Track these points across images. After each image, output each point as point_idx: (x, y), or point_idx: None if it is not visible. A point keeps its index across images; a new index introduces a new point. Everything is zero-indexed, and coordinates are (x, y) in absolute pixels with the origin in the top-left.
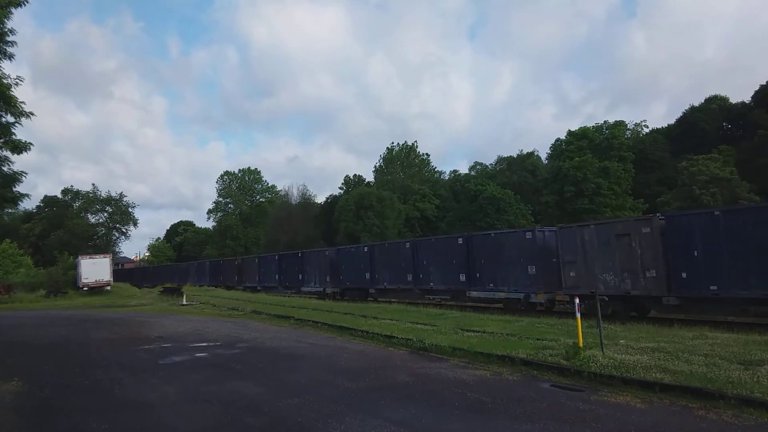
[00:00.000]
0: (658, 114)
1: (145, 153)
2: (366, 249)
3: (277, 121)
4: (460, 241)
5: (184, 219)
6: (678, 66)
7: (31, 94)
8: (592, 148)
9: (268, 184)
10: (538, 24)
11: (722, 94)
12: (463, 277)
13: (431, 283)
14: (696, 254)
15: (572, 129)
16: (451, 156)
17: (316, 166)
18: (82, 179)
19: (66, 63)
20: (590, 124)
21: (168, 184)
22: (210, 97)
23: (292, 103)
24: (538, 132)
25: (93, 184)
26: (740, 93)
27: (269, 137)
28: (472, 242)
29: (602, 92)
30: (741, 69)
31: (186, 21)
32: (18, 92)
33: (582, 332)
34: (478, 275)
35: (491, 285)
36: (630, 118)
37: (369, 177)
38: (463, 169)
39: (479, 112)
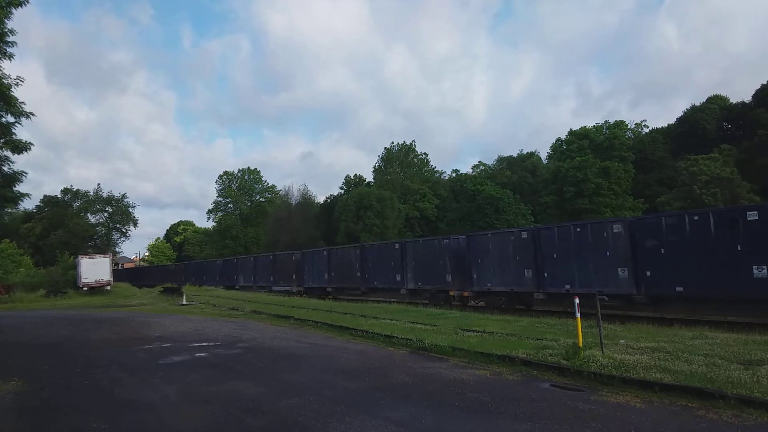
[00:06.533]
0: (680, 110)
1: (152, 150)
2: (325, 252)
3: (288, 117)
4: (397, 246)
5: (189, 218)
6: (705, 60)
7: (44, 88)
8: (593, 148)
9: (268, 183)
10: (564, 14)
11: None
12: (398, 277)
13: (375, 282)
14: (555, 257)
15: (593, 125)
16: (464, 153)
17: (326, 164)
18: (88, 177)
19: (74, 56)
20: (611, 119)
21: (174, 183)
22: (220, 92)
23: (305, 99)
24: (558, 128)
25: (98, 184)
26: None
27: (279, 134)
28: (406, 247)
29: (626, 87)
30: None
31: (199, 10)
32: (25, 89)
33: (582, 332)
34: (409, 275)
35: (420, 283)
36: (653, 114)
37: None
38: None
39: (498, 107)
